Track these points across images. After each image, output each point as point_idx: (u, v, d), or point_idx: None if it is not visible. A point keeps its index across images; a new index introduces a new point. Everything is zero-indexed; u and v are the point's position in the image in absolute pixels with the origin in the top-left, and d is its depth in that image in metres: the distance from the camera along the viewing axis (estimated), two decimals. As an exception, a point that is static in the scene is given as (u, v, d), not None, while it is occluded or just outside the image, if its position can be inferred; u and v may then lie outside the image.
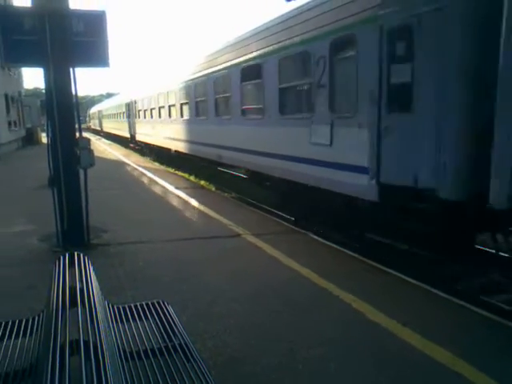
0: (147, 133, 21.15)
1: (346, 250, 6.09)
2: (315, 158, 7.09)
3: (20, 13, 5.90)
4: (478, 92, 4.64)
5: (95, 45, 6.10)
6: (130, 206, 9.22)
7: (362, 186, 6.00)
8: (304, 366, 3.22)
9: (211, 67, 11.57)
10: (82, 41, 5.96)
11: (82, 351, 1.70)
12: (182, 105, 14.68)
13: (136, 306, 3.13)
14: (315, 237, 6.84)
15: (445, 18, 4.71)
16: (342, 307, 4.22)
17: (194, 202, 9.52)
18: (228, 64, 10.38)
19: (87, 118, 66.86)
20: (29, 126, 31.77)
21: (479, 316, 4.03)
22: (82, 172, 5.98)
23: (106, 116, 41.25)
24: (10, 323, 2.87)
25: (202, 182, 13.47)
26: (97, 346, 1.77)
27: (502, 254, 5.37)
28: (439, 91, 4.84)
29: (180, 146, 15.42)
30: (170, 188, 11.52)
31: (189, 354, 2.52)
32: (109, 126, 39.57)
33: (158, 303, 3.19)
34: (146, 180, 13.18)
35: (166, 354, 2.55)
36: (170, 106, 16.18)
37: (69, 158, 5.84)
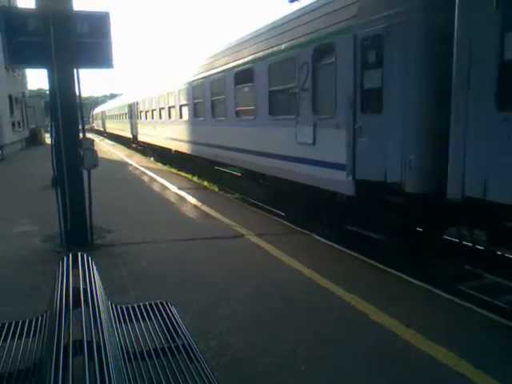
0: (148, 133, 21.56)
1: (347, 251, 6.09)
2: (301, 156, 7.60)
3: (24, 14, 5.93)
4: (437, 97, 5.13)
5: (99, 46, 6.12)
6: (134, 206, 9.24)
7: (341, 182, 6.52)
8: (307, 367, 3.21)
9: (208, 70, 12.03)
10: (85, 42, 5.99)
11: (85, 351, 1.70)
12: (181, 106, 15.11)
13: (139, 307, 3.14)
14: (317, 237, 6.84)
15: (408, 30, 5.29)
16: (345, 307, 4.22)
17: (197, 203, 9.54)
18: (223, 68, 10.89)
19: (91, 119, 67.04)
20: (32, 126, 31.91)
21: (481, 316, 4.02)
22: (85, 173, 6.00)
23: (109, 117, 41.54)
24: (13, 323, 2.88)
25: (205, 183, 13.49)
26: (100, 347, 1.78)
27: (466, 243, 5.63)
28: (404, 95, 5.39)
29: (180, 146, 15.81)
30: (173, 188, 11.54)
31: (192, 354, 2.53)
32: (112, 127, 39.93)
33: (162, 303, 3.20)
34: (149, 180, 13.20)
35: (169, 354, 2.56)
36: (169, 108, 16.61)
37: (72, 158, 5.86)
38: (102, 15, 6.18)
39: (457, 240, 5.72)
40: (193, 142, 14.13)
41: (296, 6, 8.06)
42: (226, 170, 13.65)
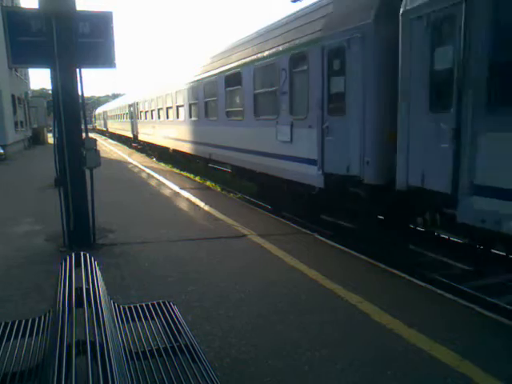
0: (148, 133, 22.32)
1: (350, 251, 6.08)
2: (281, 153, 8.44)
3: (27, 14, 5.95)
4: (389, 102, 5.76)
5: (102, 46, 6.14)
6: (136, 206, 9.25)
7: (313, 176, 7.38)
8: (310, 368, 3.21)
9: (201, 74, 12.90)
10: (88, 42, 6.00)
11: (88, 351, 1.70)
12: (177, 107, 15.88)
13: (142, 306, 3.13)
14: (320, 237, 6.84)
15: (365, 43, 6.01)
16: (348, 308, 4.21)
17: (199, 203, 9.54)
18: (215, 72, 11.75)
19: (93, 119, 67.20)
20: (35, 126, 32.00)
21: (484, 317, 4.02)
22: (88, 172, 6.01)
23: (111, 117, 42.00)
24: (16, 323, 2.88)
25: (208, 183, 13.50)
26: (103, 346, 1.78)
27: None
28: (362, 100, 6.11)
29: (177, 145, 16.57)
30: (176, 188, 11.54)
31: (194, 354, 2.52)
32: (113, 127, 40.51)
33: (164, 303, 3.19)
34: (151, 180, 13.21)
35: (171, 354, 2.55)
36: (167, 108, 17.37)
37: (75, 158, 5.87)
38: (105, 15, 6.20)
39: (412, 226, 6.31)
40: (188, 141, 14.83)
41: (298, 6, 8.28)
42: (219, 168, 14.31)
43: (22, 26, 5.81)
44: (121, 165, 17.81)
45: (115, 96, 70.75)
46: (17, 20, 5.89)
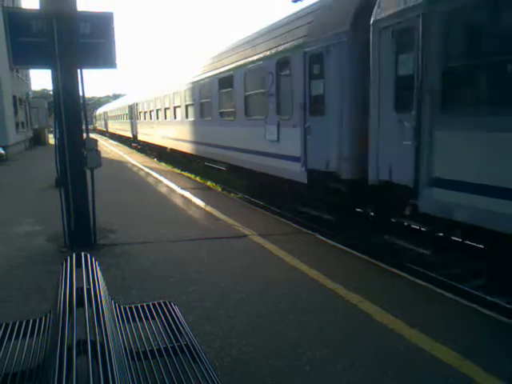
0: (147, 133, 22.80)
1: (351, 250, 6.08)
2: (269, 151, 8.94)
3: (28, 15, 5.96)
4: (364, 104, 6.15)
5: (102, 46, 6.14)
6: (137, 206, 9.25)
7: (297, 172, 7.88)
8: (311, 367, 3.21)
9: (197, 76, 13.43)
10: (89, 42, 6.01)
11: (89, 351, 1.70)
12: (175, 108, 16.34)
13: (142, 306, 3.13)
14: (321, 237, 6.83)
15: (341, 49, 6.48)
16: (349, 308, 4.21)
17: (200, 203, 9.54)
18: (209, 74, 12.32)
19: (94, 119, 67.28)
20: (36, 127, 32.01)
21: (485, 316, 4.01)
22: (88, 172, 6.01)
23: (111, 117, 42.30)
24: (17, 323, 2.88)
25: (209, 183, 13.51)
26: (104, 346, 1.78)
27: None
28: (339, 101, 6.60)
29: (174, 145, 17.08)
30: (177, 188, 11.55)
31: (195, 354, 2.52)
32: (113, 127, 40.97)
33: (165, 303, 3.20)
34: (152, 180, 13.22)
35: (172, 354, 2.55)
36: (165, 109, 17.84)
37: (76, 158, 5.87)
38: (106, 15, 6.20)
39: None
40: (185, 141, 15.31)
41: (299, 6, 8.37)
42: (215, 166, 14.56)
43: (22, 27, 5.81)
44: (121, 165, 17.83)
45: (116, 96, 70.79)
46: (18, 21, 5.89)
